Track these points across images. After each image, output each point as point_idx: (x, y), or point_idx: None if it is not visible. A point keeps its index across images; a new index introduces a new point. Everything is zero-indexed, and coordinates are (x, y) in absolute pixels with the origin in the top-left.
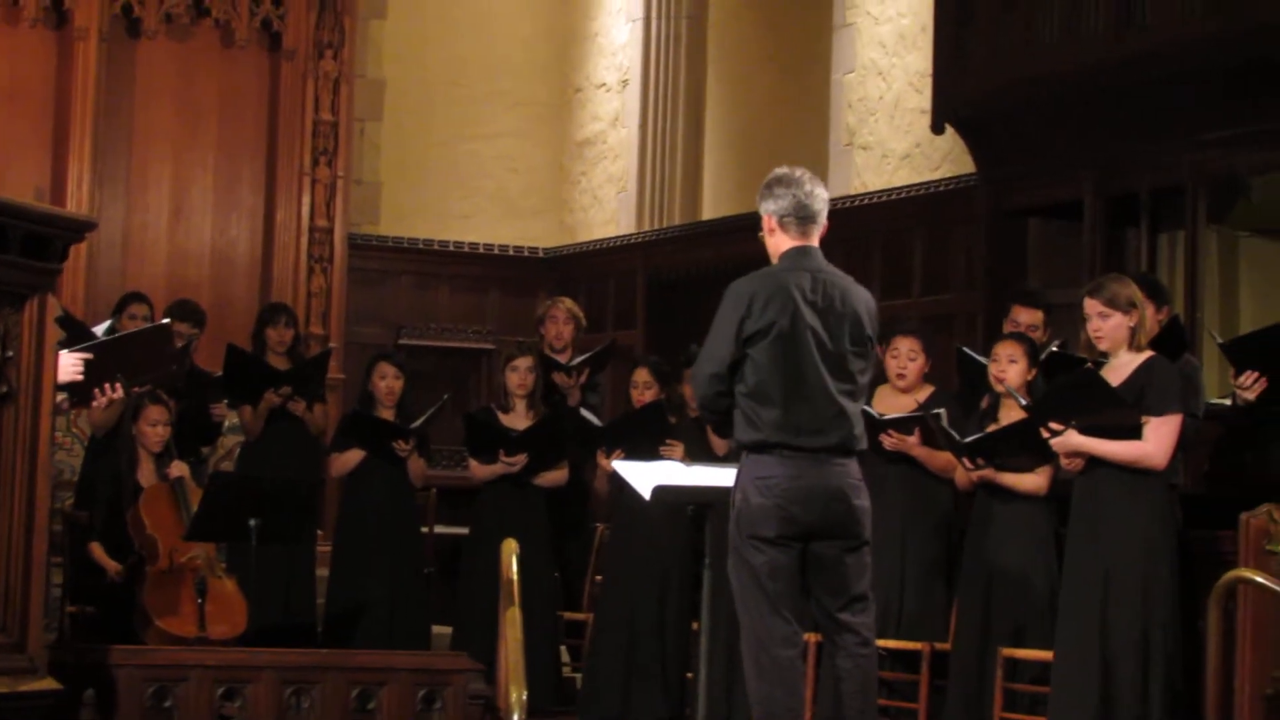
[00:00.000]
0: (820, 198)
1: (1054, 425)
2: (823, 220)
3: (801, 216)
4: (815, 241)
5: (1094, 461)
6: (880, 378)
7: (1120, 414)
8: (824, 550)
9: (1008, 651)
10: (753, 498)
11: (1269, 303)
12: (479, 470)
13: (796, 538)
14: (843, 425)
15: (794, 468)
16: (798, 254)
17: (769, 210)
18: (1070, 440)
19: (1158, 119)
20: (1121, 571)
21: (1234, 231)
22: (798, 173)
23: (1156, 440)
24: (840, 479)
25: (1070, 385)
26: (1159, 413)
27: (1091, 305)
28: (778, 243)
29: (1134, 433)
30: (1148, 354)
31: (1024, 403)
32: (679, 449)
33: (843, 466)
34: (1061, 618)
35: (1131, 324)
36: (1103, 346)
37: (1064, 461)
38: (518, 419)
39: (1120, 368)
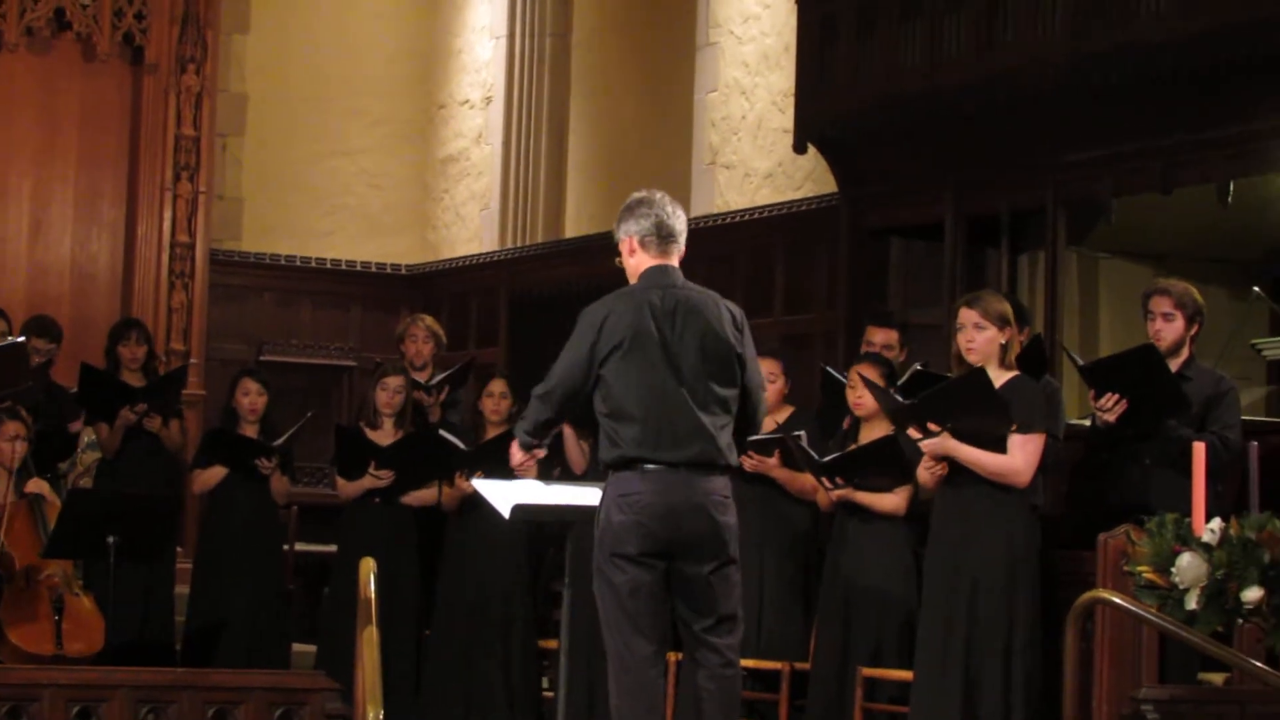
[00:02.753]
0: (680, 218)
1: (931, 426)
2: (682, 242)
3: (662, 235)
4: (675, 261)
5: (957, 479)
6: None
7: (996, 421)
8: (688, 568)
9: (867, 671)
10: (614, 515)
11: (1129, 324)
12: (346, 488)
13: (658, 555)
14: (703, 440)
15: (655, 483)
16: (656, 272)
17: (630, 231)
18: (945, 444)
19: (1018, 140)
20: (985, 591)
21: (1094, 253)
22: (657, 195)
23: (1024, 456)
24: (702, 495)
25: (959, 385)
26: (1025, 430)
27: (967, 315)
28: (638, 263)
29: (999, 444)
30: (1013, 373)
31: (904, 400)
32: (533, 469)
33: (706, 482)
34: (922, 637)
35: (1003, 340)
36: (972, 359)
37: (925, 467)
38: (385, 437)
39: None
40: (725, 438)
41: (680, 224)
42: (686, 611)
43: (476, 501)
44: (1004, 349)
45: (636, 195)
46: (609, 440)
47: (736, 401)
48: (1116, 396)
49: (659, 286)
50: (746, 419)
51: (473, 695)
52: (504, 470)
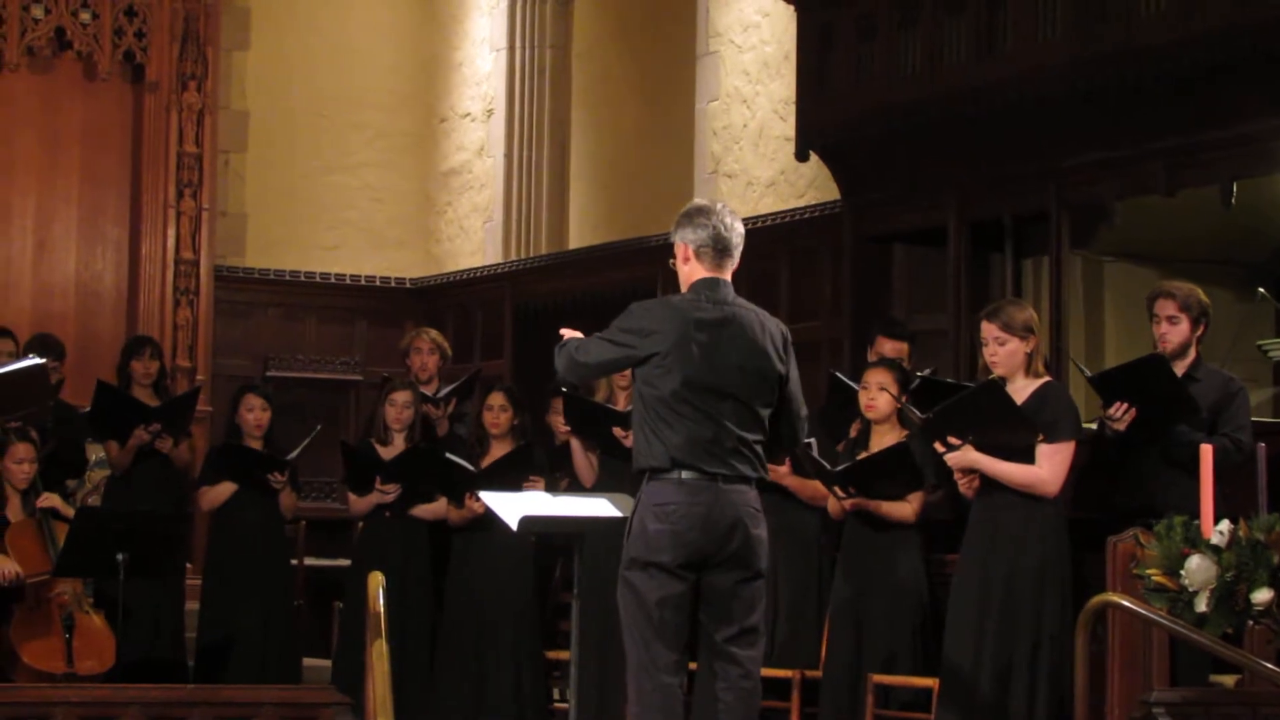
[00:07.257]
0: (738, 232)
1: (951, 440)
2: (737, 255)
3: (719, 249)
4: (728, 275)
5: (988, 487)
6: None
7: (1019, 432)
8: (718, 580)
9: (878, 678)
10: (650, 524)
11: (1134, 327)
12: (356, 504)
13: (692, 566)
14: (741, 455)
15: (692, 494)
16: (707, 284)
17: (687, 239)
18: (967, 456)
19: (1020, 145)
20: (1015, 594)
21: (1098, 256)
22: (718, 205)
23: (1051, 467)
24: (738, 507)
25: (973, 397)
26: (1052, 439)
27: (988, 329)
28: (691, 271)
29: (1026, 454)
30: (1044, 379)
31: (920, 415)
32: (540, 484)
33: (740, 494)
34: (950, 639)
35: (1028, 349)
36: (998, 371)
37: (959, 479)
38: (395, 453)
39: (1015, 393)
40: (760, 452)
41: (737, 237)
42: (709, 620)
43: (485, 517)
44: (1030, 357)
45: (697, 203)
46: (645, 447)
47: (770, 420)
48: (1126, 405)
49: (708, 300)
50: (785, 435)
51: (482, 707)
52: (512, 488)
